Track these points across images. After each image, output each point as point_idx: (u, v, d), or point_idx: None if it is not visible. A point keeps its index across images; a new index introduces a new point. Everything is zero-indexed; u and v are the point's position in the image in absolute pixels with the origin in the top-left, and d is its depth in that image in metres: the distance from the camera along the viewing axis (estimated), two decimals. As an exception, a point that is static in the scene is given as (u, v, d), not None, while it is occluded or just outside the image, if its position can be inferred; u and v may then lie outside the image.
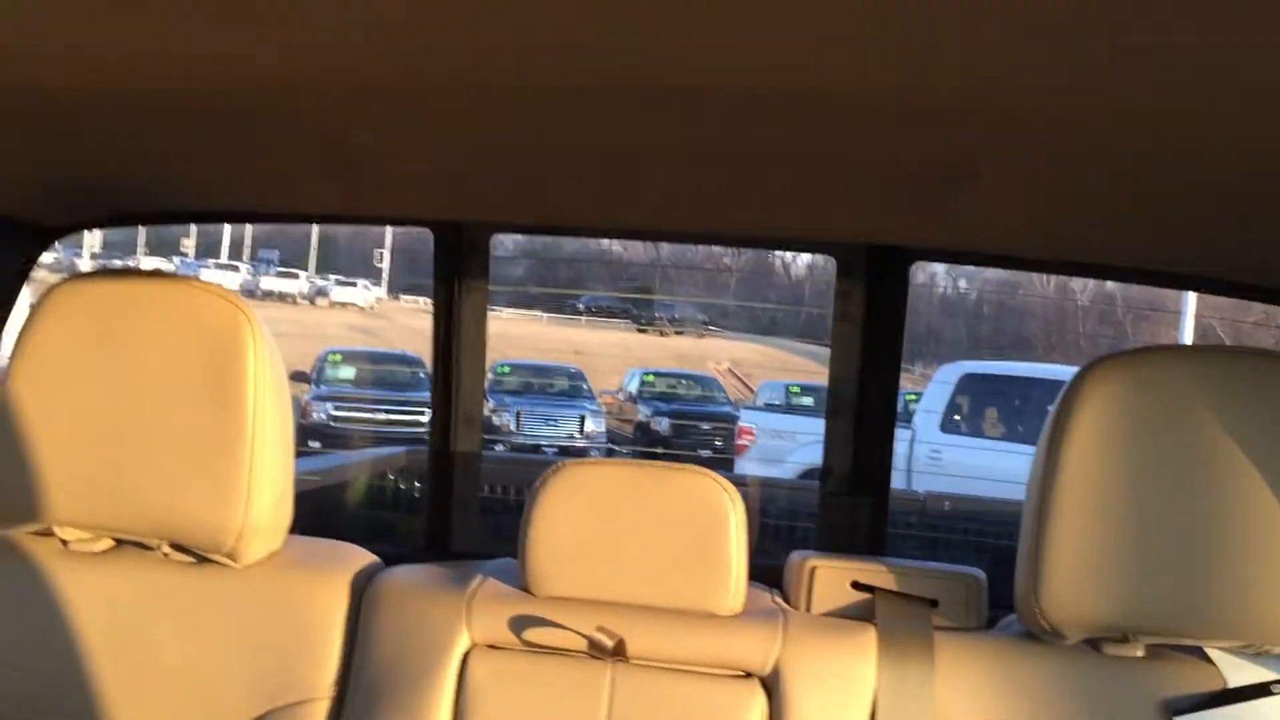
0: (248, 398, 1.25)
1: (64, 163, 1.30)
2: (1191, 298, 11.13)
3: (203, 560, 1.33)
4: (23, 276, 1.57)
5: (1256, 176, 0.97)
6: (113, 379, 1.27)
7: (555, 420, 12.02)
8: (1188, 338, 11.89)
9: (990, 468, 6.89)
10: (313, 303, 24.64)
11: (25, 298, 1.61)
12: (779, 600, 1.40)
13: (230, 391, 1.25)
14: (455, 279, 1.67)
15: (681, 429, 12.37)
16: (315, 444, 9.64)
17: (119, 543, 1.35)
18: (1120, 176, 1.04)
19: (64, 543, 1.33)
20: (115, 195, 1.50)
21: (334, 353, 13.09)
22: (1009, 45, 0.71)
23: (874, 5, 0.66)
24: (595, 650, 1.25)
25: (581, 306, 23.51)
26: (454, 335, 1.68)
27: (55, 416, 1.27)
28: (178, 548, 1.33)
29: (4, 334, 1.56)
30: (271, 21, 0.77)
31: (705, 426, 12.34)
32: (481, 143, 1.14)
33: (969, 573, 1.38)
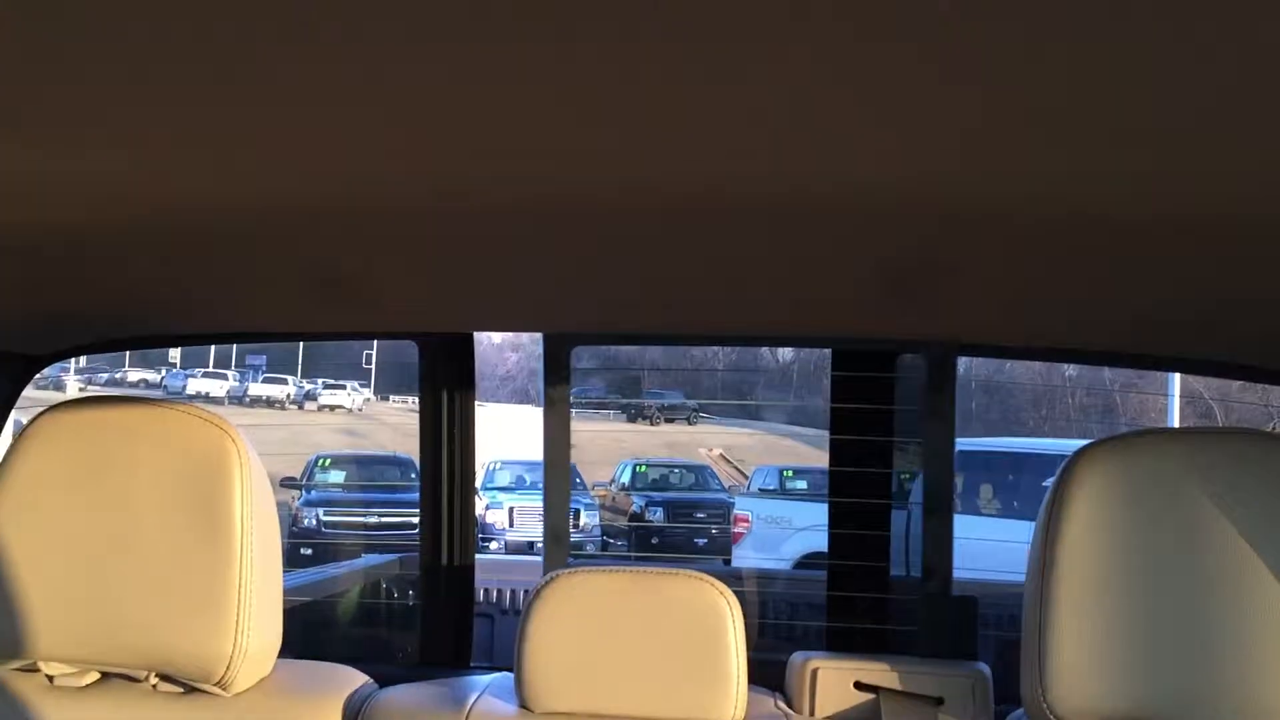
0: (236, 523, 1.24)
1: (50, 293, 1.30)
2: (1177, 367, 11.19)
3: (191, 690, 1.30)
4: (9, 406, 1.56)
5: (1228, 260, 0.98)
6: (98, 508, 1.25)
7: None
8: (1175, 405, 11.93)
9: (987, 552, 6.83)
10: (300, 407, 24.59)
11: (11, 420, 1.60)
12: (781, 705, 1.38)
13: (218, 518, 1.24)
14: (442, 388, 1.67)
15: (676, 519, 12.28)
16: (307, 551, 9.54)
17: (105, 676, 1.32)
18: (1094, 267, 1.05)
19: (49, 678, 1.30)
20: (103, 322, 1.50)
21: (323, 457, 13.02)
22: (976, 145, 0.72)
23: (845, 115, 0.67)
24: None
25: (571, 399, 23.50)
26: (440, 447, 1.67)
27: (38, 547, 1.25)
28: (165, 678, 1.30)
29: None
30: (255, 153, 0.78)
31: (700, 515, 12.26)
32: (462, 259, 1.14)
33: (974, 668, 1.36)
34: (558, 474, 1.70)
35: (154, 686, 1.31)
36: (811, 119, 0.68)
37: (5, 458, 1.29)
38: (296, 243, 1.06)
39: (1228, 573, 1.14)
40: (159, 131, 0.73)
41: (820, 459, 1.65)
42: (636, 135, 0.72)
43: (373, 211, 0.93)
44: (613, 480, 14.45)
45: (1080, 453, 1.20)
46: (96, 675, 1.32)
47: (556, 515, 1.71)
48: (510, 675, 1.34)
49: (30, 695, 1.30)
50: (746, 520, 9.75)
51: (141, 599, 1.23)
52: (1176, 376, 11.72)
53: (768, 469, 13.63)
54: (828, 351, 1.67)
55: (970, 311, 1.35)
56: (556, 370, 1.70)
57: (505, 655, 1.43)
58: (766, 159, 0.77)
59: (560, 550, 1.72)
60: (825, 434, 1.67)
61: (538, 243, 1.07)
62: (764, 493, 11.83)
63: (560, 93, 0.65)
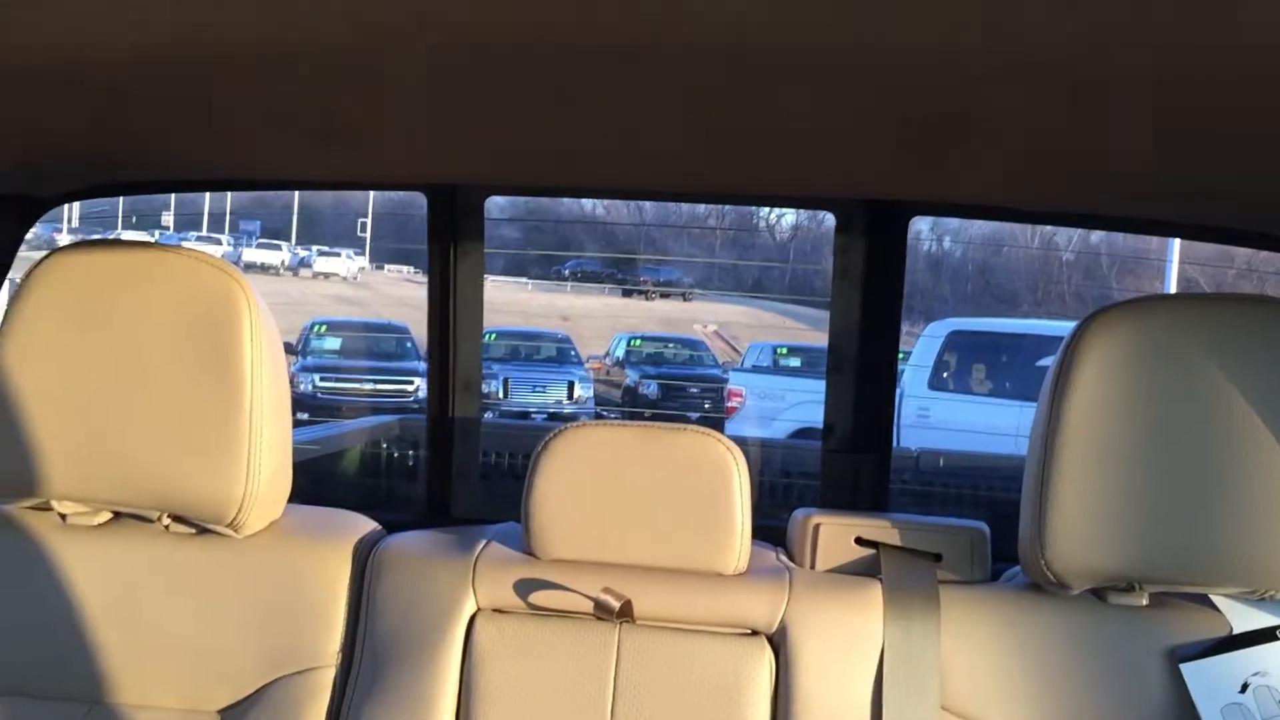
0: (245, 366, 1.24)
1: (52, 134, 1.28)
2: (1175, 250, 11.19)
3: (203, 531, 1.32)
4: (13, 249, 1.54)
5: (1248, 117, 0.97)
6: (106, 351, 1.25)
7: (543, 386, 12.02)
8: (1172, 289, 11.94)
9: (978, 423, 6.93)
10: (295, 274, 24.49)
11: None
12: (783, 558, 1.41)
13: (227, 361, 1.24)
14: (450, 243, 1.65)
15: (670, 392, 12.39)
16: (303, 415, 9.63)
17: (118, 515, 1.34)
18: (1112, 125, 1.04)
19: (62, 516, 1.32)
20: (104, 165, 1.48)
21: (319, 323, 13.06)
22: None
23: None
24: (601, 612, 1.26)
25: (566, 272, 23.44)
26: (449, 300, 1.67)
27: (50, 390, 1.26)
28: (178, 519, 1.32)
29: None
30: None
31: (694, 389, 12.36)
32: (474, 103, 1.12)
33: (972, 526, 1.39)
34: (471, 323, 1.69)
35: (166, 527, 1.33)
36: None
37: (12, 301, 1.28)
38: (296, 81, 1.04)
39: (1231, 439, 1.15)
40: None
41: (814, 337, 1.65)
42: None
43: (374, 49, 0.91)
44: (607, 354, 14.51)
45: (1091, 317, 1.20)
46: (109, 515, 1.34)
47: (468, 364, 1.71)
48: (516, 525, 1.36)
49: (44, 533, 1.33)
50: (740, 395, 9.84)
51: (151, 440, 1.24)
52: (1175, 263, 11.69)
53: (762, 346, 13.67)
54: (826, 230, 1.66)
55: (983, 172, 1.34)
56: (471, 221, 1.68)
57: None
58: (778, 6, 0.76)
59: (471, 398, 1.72)
60: (819, 313, 1.66)
61: (543, 93, 1.05)
62: (758, 369, 11.90)
63: None
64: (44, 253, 1.30)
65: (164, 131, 1.31)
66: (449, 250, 1.66)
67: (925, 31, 0.79)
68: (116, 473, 1.26)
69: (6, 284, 1.59)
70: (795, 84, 0.97)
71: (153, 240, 1.32)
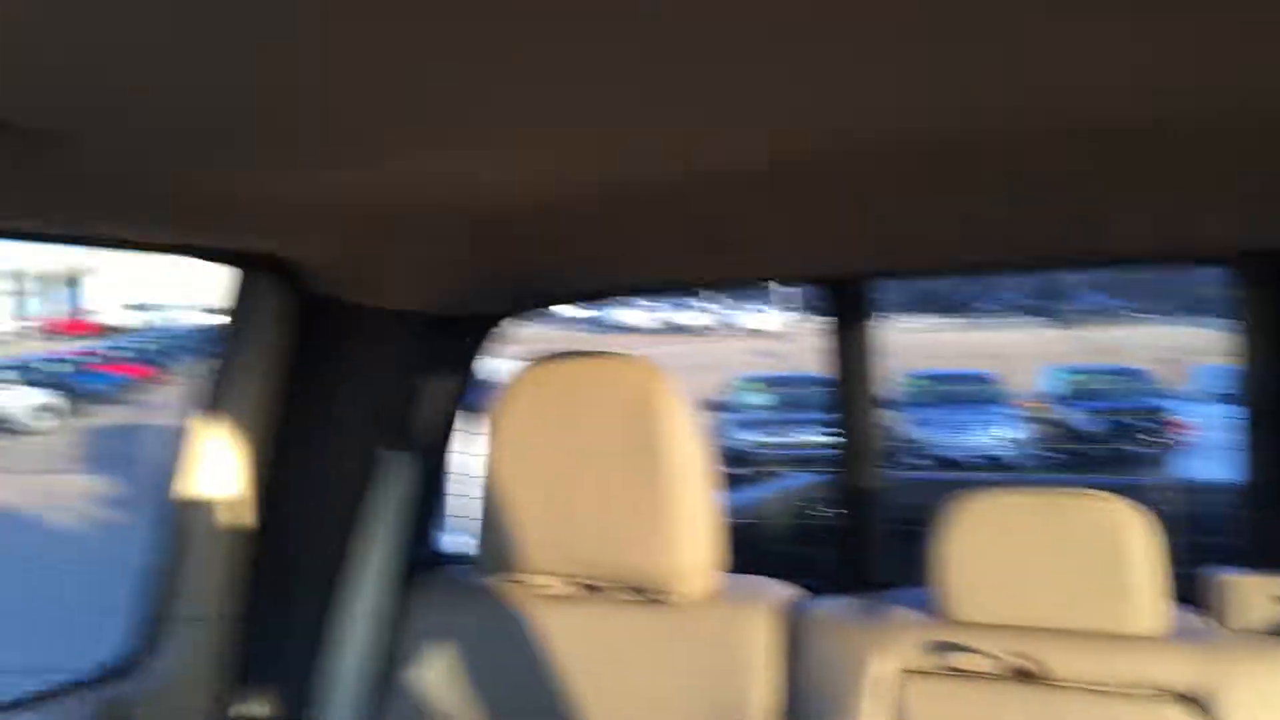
0: (673, 454, 1.42)
1: (509, 262, 1.54)
2: None
3: (653, 600, 1.50)
4: (472, 361, 1.83)
5: None
6: (567, 445, 1.48)
7: (972, 429, 11.67)
8: None
9: None
10: (728, 331, 25.51)
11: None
12: (1205, 619, 1.37)
13: (658, 451, 1.42)
14: (840, 326, 1.75)
15: (1110, 427, 11.61)
16: (745, 470, 9.92)
17: (581, 587, 1.56)
18: None
19: (537, 588, 1.56)
20: (541, 285, 1.74)
21: (747, 379, 13.51)
22: None
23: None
24: (1017, 674, 1.30)
25: (987, 308, 22.65)
26: (849, 377, 1.76)
27: (528, 480, 1.50)
28: (632, 589, 1.51)
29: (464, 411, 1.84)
30: (657, 127, 0.92)
31: (1136, 423, 11.49)
32: (855, 203, 1.23)
33: None
34: (868, 395, 1.74)
35: (622, 597, 1.53)
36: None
37: (498, 406, 1.53)
38: (692, 205, 1.21)
39: None
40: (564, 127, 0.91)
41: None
42: (985, 69, 0.78)
43: (760, 169, 1.05)
44: (1038, 389, 13.82)
45: None
46: (575, 587, 1.56)
47: (870, 433, 1.75)
48: (924, 589, 1.43)
49: (524, 602, 1.57)
50: (1189, 427, 9.06)
51: (606, 523, 1.45)
52: None
53: (1211, 369, 12.44)
54: None
55: None
56: (857, 306, 1.73)
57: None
58: (1147, 81, 0.80)
59: (873, 467, 1.75)
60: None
61: (929, 186, 1.13)
62: (1209, 396, 10.87)
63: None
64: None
65: (585, 255, 1.54)
66: (839, 333, 1.75)
67: None
68: (581, 551, 1.48)
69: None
70: (1177, 152, 0.99)
71: (603, 350, 1.55)
